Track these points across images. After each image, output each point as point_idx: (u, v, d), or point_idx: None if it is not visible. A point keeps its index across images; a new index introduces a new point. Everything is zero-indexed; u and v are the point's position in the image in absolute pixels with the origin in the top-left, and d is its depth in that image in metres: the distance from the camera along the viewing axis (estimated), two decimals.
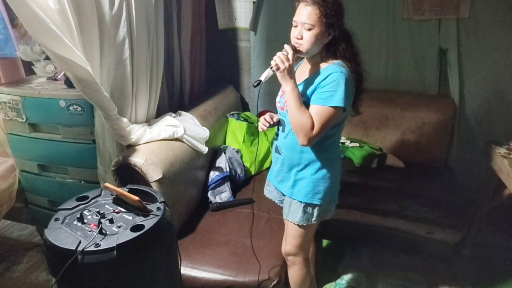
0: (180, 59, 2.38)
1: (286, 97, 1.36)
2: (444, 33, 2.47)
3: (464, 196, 2.23)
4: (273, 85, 1.52)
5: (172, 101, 2.38)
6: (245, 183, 2.43)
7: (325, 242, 2.46)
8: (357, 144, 2.59)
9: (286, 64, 1.31)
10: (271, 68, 1.34)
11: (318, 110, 1.33)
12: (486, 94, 2.50)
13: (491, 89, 2.48)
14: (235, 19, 2.89)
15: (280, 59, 1.31)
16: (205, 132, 2.15)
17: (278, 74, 1.33)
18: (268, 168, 1.73)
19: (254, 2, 2.76)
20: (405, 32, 2.54)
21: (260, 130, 1.53)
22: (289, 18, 1.40)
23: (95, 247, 1.09)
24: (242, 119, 2.63)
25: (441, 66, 2.56)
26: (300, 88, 1.40)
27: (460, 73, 2.51)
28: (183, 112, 2.22)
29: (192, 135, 2.03)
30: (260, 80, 1.34)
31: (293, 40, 1.36)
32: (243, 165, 2.44)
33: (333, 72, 1.33)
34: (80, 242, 1.11)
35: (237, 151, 2.48)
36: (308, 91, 1.38)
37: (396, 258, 2.31)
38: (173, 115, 2.11)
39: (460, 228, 2.10)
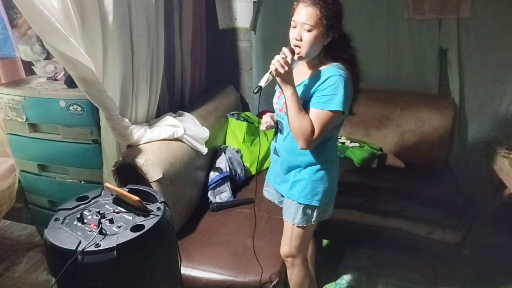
0: (181, 59, 2.39)
1: (286, 102, 1.34)
2: (444, 33, 2.46)
3: (464, 196, 2.23)
4: (270, 87, 1.52)
5: (173, 101, 2.38)
6: (245, 183, 2.43)
7: (325, 242, 2.46)
8: (357, 144, 2.59)
9: (286, 68, 1.28)
10: (270, 72, 1.31)
11: (318, 114, 1.32)
12: (486, 94, 2.50)
13: (492, 88, 2.48)
14: (235, 19, 2.89)
15: (279, 63, 1.28)
16: (205, 132, 2.15)
17: (278, 79, 1.31)
18: (268, 168, 1.73)
19: (254, 2, 2.76)
20: (405, 32, 2.53)
21: (262, 128, 1.53)
22: (289, 18, 1.38)
23: (95, 247, 1.09)
24: (242, 119, 2.63)
25: (441, 66, 2.56)
26: (299, 90, 1.38)
27: (460, 73, 2.50)
28: (183, 112, 2.22)
29: (192, 135, 2.03)
30: (261, 86, 1.30)
31: (292, 41, 1.34)
32: (243, 165, 2.44)
33: (332, 75, 1.32)
34: (80, 242, 1.11)
35: (237, 151, 2.48)
36: (307, 94, 1.37)
37: (396, 258, 2.31)
38: (173, 115, 2.11)
39: (460, 228, 2.09)
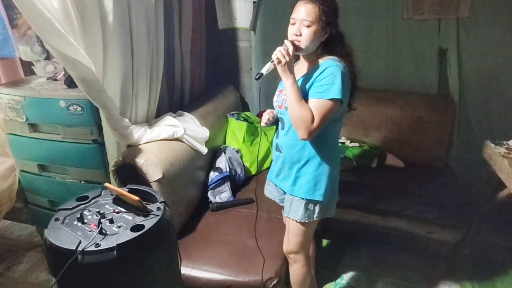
0: (181, 59, 2.39)
1: (286, 92, 1.38)
2: (443, 32, 2.47)
3: (464, 196, 2.23)
4: (270, 87, 1.53)
5: (173, 101, 2.38)
6: (245, 183, 2.43)
7: (325, 242, 2.46)
8: (357, 144, 2.59)
9: (287, 58, 1.33)
10: (272, 62, 1.36)
11: (317, 104, 1.35)
12: (486, 94, 2.50)
13: (491, 88, 2.48)
14: (235, 19, 2.89)
15: (281, 53, 1.33)
16: (205, 132, 2.15)
17: (279, 68, 1.35)
18: (268, 168, 1.73)
19: (254, 2, 2.76)
20: (404, 32, 2.54)
21: (262, 124, 1.54)
22: (289, 17, 1.41)
23: (95, 247, 1.10)
24: (242, 119, 2.63)
25: (441, 65, 2.56)
26: (298, 84, 1.42)
27: (460, 72, 2.51)
28: (183, 112, 2.22)
29: (192, 135, 2.03)
30: (262, 73, 1.36)
31: (291, 37, 1.38)
32: (243, 165, 2.44)
33: (329, 66, 1.36)
34: (80, 242, 1.11)
35: (237, 151, 2.48)
36: (306, 86, 1.41)
37: (396, 257, 2.31)
38: (173, 115, 2.11)
39: (460, 227, 2.10)
